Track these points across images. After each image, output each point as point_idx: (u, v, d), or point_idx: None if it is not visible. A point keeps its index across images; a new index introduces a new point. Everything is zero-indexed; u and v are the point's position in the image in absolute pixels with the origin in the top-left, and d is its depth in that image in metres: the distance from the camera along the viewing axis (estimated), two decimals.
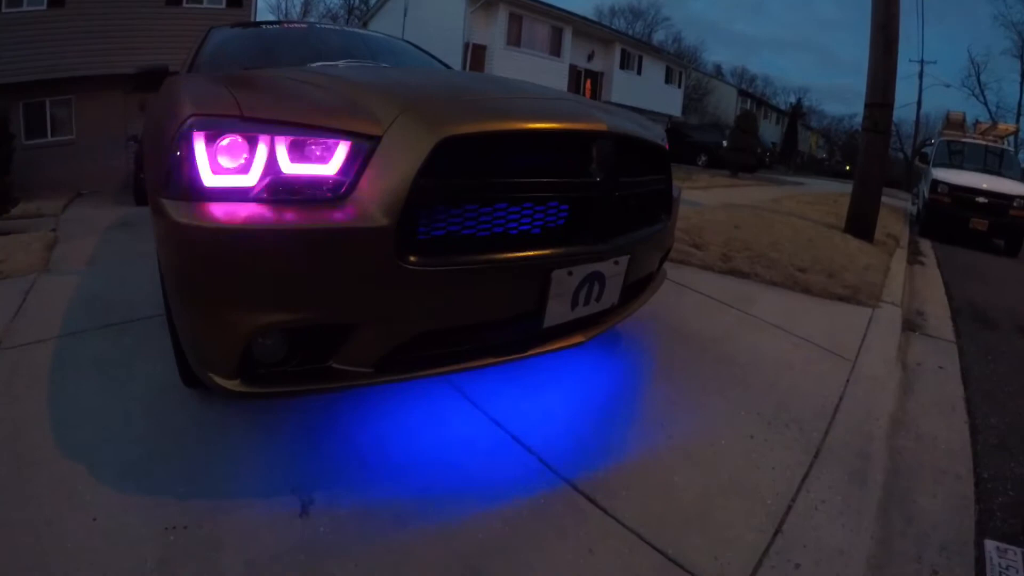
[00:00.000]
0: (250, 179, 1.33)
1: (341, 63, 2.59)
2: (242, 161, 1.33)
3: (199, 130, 1.32)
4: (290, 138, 1.34)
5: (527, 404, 2.21)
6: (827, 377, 2.67)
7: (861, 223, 6.00)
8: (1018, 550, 1.74)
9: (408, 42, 3.80)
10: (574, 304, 1.72)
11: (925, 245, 7.88)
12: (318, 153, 1.37)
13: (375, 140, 1.37)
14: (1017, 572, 1.67)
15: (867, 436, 2.22)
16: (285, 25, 3.41)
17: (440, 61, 3.60)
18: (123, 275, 3.42)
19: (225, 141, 1.32)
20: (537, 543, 1.55)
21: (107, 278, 3.39)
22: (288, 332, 1.40)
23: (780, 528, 1.69)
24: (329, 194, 1.36)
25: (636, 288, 2.15)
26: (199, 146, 1.31)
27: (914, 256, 6.57)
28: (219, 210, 1.29)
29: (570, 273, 1.64)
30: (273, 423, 1.94)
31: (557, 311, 1.69)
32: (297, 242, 1.29)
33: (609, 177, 1.69)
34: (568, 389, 2.36)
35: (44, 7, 11.93)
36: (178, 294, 1.44)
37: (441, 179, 1.39)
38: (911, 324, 3.81)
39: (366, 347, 1.44)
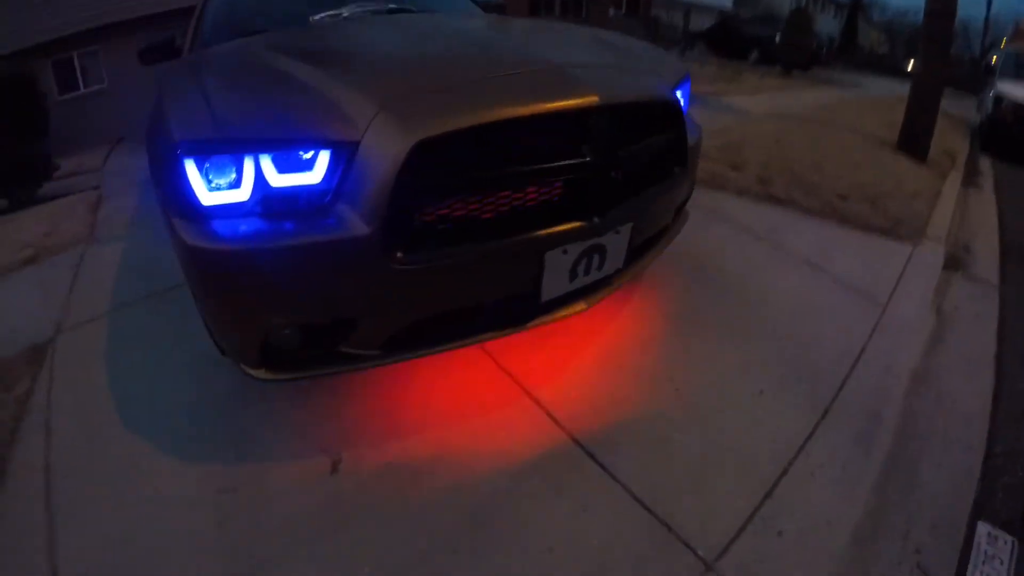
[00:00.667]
0: (242, 194, 1.38)
1: (345, 11, 2.50)
2: (232, 178, 1.37)
3: (188, 155, 1.34)
4: (273, 152, 1.36)
5: (542, 356, 2.23)
6: (853, 324, 2.57)
7: (914, 141, 5.54)
8: (1009, 539, 1.69)
9: None
10: (573, 277, 1.70)
11: (985, 164, 7.32)
12: (302, 163, 1.39)
13: (354, 144, 1.38)
14: (1002, 563, 1.63)
15: (883, 395, 2.16)
16: None
17: None
18: (160, 237, 3.43)
19: (213, 162, 1.35)
20: (538, 499, 1.64)
21: (146, 243, 3.54)
22: (299, 326, 1.49)
23: (771, 492, 1.71)
24: (317, 203, 1.40)
25: (646, 246, 2.08)
26: (191, 169, 1.35)
27: (970, 177, 6.12)
28: (219, 229, 1.36)
29: (565, 252, 1.61)
30: (305, 387, 2.06)
31: (555, 286, 1.67)
32: (291, 255, 1.35)
33: (604, 151, 1.59)
34: (583, 339, 2.35)
35: None
36: (198, 300, 1.57)
37: (421, 178, 1.37)
38: (955, 262, 3.59)
39: (370, 334, 1.54)
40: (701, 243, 3.16)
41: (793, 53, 12.79)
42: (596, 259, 1.72)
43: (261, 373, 1.54)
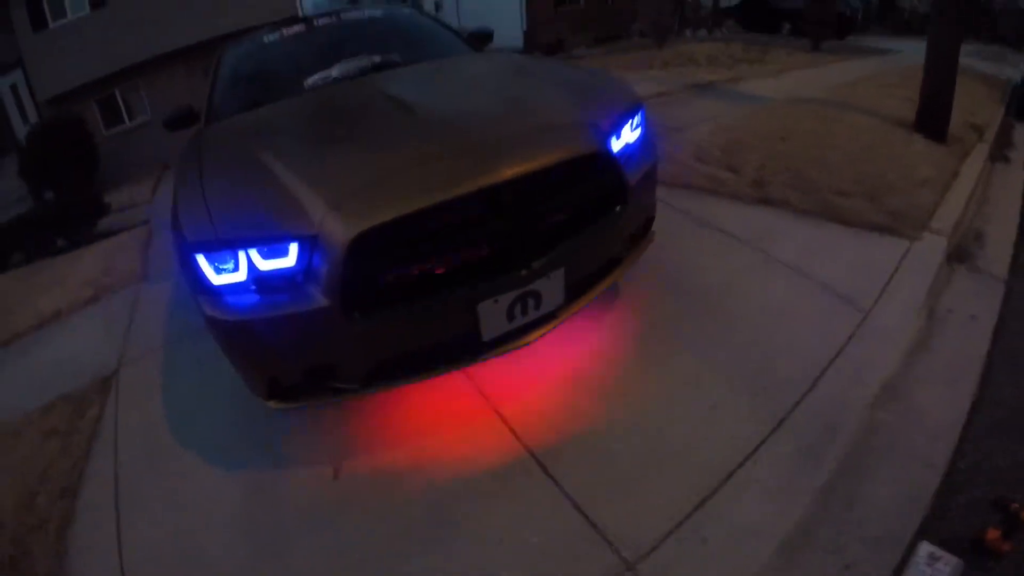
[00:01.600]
0: (240, 275, 1.82)
1: (335, 71, 2.93)
2: (231, 265, 1.81)
3: (197, 252, 1.81)
4: (256, 246, 1.80)
5: (512, 375, 2.51)
6: (829, 332, 2.60)
7: (932, 118, 5.25)
8: (952, 559, 1.71)
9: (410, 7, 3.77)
10: (511, 318, 1.96)
11: (1022, 133, 6.95)
12: (279, 251, 1.80)
13: (313, 237, 1.77)
14: None
15: (845, 407, 2.21)
16: (284, 32, 3.55)
17: (442, 23, 3.74)
18: None
19: (215, 255, 1.81)
20: (493, 500, 1.99)
21: None
22: (293, 369, 1.95)
23: (704, 502, 1.87)
24: (293, 281, 1.83)
25: (593, 278, 2.27)
26: (201, 261, 1.82)
27: (1000, 150, 5.84)
28: (227, 303, 1.85)
29: (496, 301, 1.89)
30: (313, 412, 2.55)
31: (494, 327, 1.95)
32: (276, 321, 1.81)
33: (521, 212, 1.87)
34: (551, 359, 2.57)
35: (87, 11, 12.98)
36: (219, 349, 2.06)
37: (365, 257, 1.75)
38: (961, 253, 3.50)
39: (349, 373, 1.97)
40: (683, 254, 3.24)
41: (819, 25, 12.30)
42: (531, 301, 1.99)
43: (272, 403, 2.01)
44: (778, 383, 2.31)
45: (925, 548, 1.76)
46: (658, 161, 2.54)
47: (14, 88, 14.99)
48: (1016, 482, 1.98)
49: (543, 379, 2.49)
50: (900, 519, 1.84)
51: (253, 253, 1.80)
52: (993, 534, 1.77)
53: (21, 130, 14.35)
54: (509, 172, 1.82)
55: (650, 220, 2.60)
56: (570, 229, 2.05)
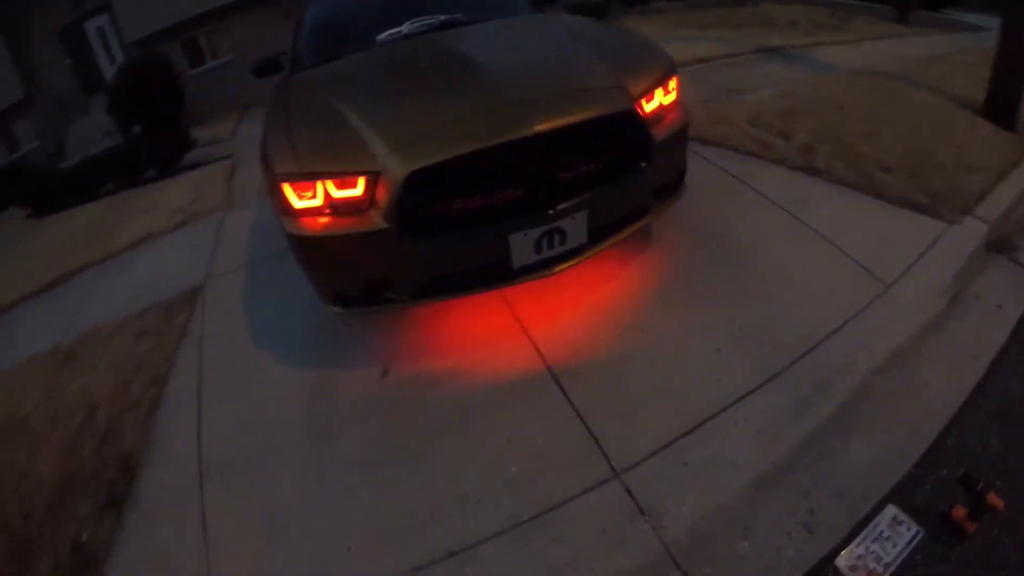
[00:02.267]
0: (318, 201, 2.24)
1: (404, 28, 3.27)
2: (310, 193, 2.23)
3: (282, 182, 2.24)
4: (333, 179, 2.20)
5: (545, 303, 2.85)
6: (845, 299, 2.67)
7: (1001, 104, 4.93)
8: (914, 526, 1.80)
9: None
10: (538, 250, 2.28)
11: None
12: (350, 184, 2.20)
13: (377, 173, 2.17)
14: (895, 546, 1.75)
15: (844, 369, 2.32)
16: None
17: None
18: None
19: (297, 185, 2.23)
20: (510, 407, 2.35)
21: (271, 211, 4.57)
22: (355, 281, 2.38)
23: (692, 431, 2.09)
24: (360, 208, 2.23)
25: (618, 224, 2.54)
26: (287, 189, 2.24)
27: None
28: (305, 223, 2.27)
29: (525, 234, 2.21)
30: (373, 321, 3.00)
31: (523, 256, 2.28)
32: (346, 240, 2.23)
33: (551, 161, 2.19)
34: (581, 292, 2.87)
35: None
36: (296, 263, 2.52)
37: (417, 191, 2.13)
38: (1004, 244, 3.41)
39: (401, 286, 2.38)
40: (718, 211, 3.33)
41: None
42: (557, 238, 2.29)
43: (337, 309, 2.46)
44: (785, 338, 2.44)
45: (891, 511, 1.86)
46: (689, 122, 2.74)
47: (101, 31, 15.77)
48: (997, 469, 2.02)
49: (572, 309, 2.78)
50: (873, 479, 1.96)
51: (328, 184, 2.20)
52: (960, 512, 1.83)
53: (107, 70, 15.21)
54: (541, 127, 2.13)
55: (680, 176, 2.82)
56: (596, 179, 2.34)
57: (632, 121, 2.39)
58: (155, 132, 8.35)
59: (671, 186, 2.77)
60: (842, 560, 1.74)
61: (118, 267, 4.67)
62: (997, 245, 3.44)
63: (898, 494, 1.92)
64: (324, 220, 2.26)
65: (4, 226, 8.22)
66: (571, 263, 2.39)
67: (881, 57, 7.51)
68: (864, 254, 3.01)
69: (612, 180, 2.39)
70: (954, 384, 2.37)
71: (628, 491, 1.95)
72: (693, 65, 7.02)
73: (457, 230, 2.22)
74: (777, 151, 4.01)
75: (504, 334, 2.73)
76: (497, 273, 2.36)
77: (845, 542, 1.79)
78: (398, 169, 2.11)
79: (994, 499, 1.81)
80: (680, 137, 2.70)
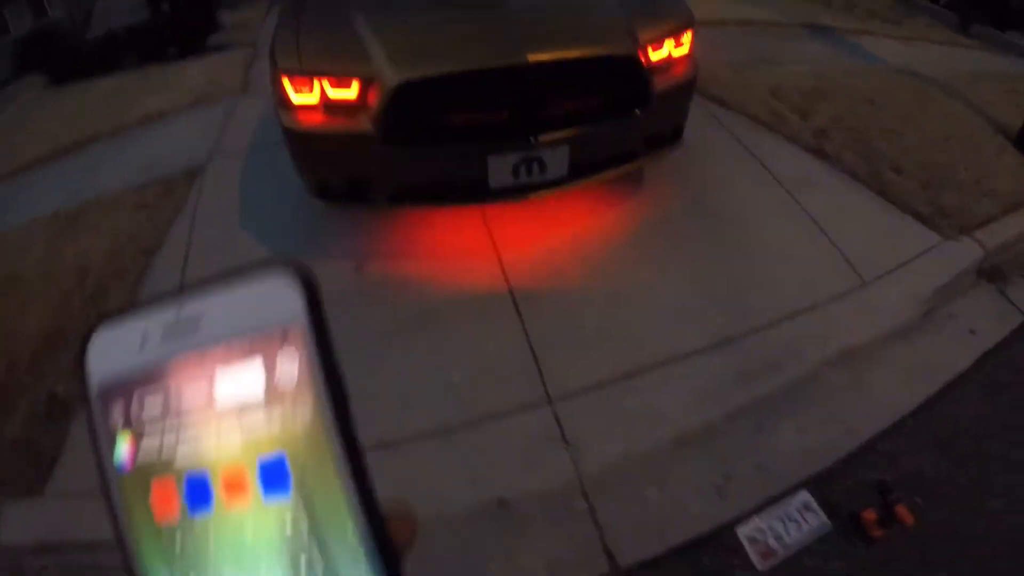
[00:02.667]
0: (314, 99, 2.29)
1: None
2: (308, 90, 2.27)
3: (283, 75, 2.30)
4: (330, 79, 2.25)
5: (521, 228, 2.85)
6: (818, 285, 2.62)
7: None
8: (822, 516, 1.79)
9: None
10: (516, 175, 2.30)
11: None
12: (345, 86, 2.25)
13: (372, 79, 2.23)
14: (799, 530, 1.75)
15: (797, 353, 2.27)
16: None
17: None
18: None
19: (297, 80, 2.28)
20: (468, 317, 2.42)
21: None
22: (340, 177, 2.47)
23: (632, 376, 2.12)
24: (353, 110, 2.28)
25: (601, 164, 2.56)
26: (286, 83, 2.30)
27: None
28: (299, 118, 2.33)
29: (505, 158, 2.23)
30: (356, 219, 3.04)
31: (500, 178, 2.30)
32: (335, 138, 2.33)
33: (540, 93, 2.21)
34: (559, 223, 2.86)
35: None
36: (289, 155, 2.55)
37: (406, 100, 2.20)
38: (996, 273, 3.32)
39: (381, 188, 2.47)
40: (717, 174, 3.21)
41: (974, 5, 10.99)
42: (536, 166, 2.30)
43: (321, 201, 2.59)
44: (748, 309, 2.40)
45: (804, 496, 1.85)
46: (697, 78, 2.72)
47: None
48: (922, 489, 1.99)
49: (546, 239, 2.80)
50: (796, 463, 1.96)
51: (325, 83, 2.27)
52: (870, 516, 1.82)
53: None
54: (536, 58, 2.18)
55: (677, 129, 2.80)
56: (586, 117, 2.37)
57: (632, 66, 2.39)
58: (183, 10, 8.16)
59: (665, 137, 2.75)
60: (744, 529, 1.75)
61: (128, 140, 4.69)
62: (988, 273, 3.35)
63: (816, 484, 1.91)
64: (317, 117, 2.34)
65: (23, 92, 8.01)
66: (547, 192, 2.44)
67: (928, 60, 7.17)
68: (850, 247, 2.92)
69: (601, 121, 2.42)
70: (903, 395, 2.33)
71: (557, 419, 2.00)
72: (734, 27, 6.67)
73: (439, 143, 2.33)
74: (791, 127, 3.84)
75: (477, 252, 2.77)
76: (474, 190, 2.45)
77: (751, 515, 1.76)
78: (391, 77, 2.19)
79: (904, 512, 1.80)
80: (684, 91, 2.71)
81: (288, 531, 0.26)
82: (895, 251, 3.01)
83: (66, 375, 2.35)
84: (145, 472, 0.27)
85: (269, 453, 0.26)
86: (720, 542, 1.75)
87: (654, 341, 2.24)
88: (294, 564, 0.26)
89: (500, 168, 2.32)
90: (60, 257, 3.14)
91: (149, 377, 0.28)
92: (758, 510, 1.80)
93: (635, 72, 2.40)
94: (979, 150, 4.61)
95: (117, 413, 0.28)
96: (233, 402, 0.27)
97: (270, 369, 0.27)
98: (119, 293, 2.75)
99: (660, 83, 2.48)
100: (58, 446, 2.17)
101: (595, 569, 1.74)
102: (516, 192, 2.43)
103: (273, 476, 0.26)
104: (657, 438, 1.89)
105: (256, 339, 0.28)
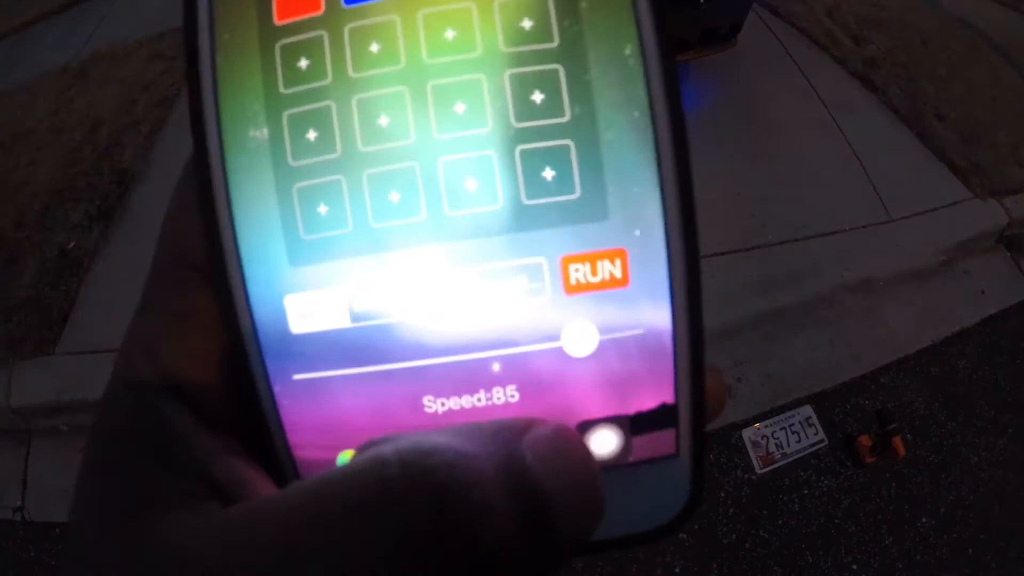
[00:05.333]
0: None
1: None
2: None
3: None
4: None
5: None
6: (846, 212, 2.50)
7: None
8: (822, 433, 1.80)
9: None
10: None
11: None
12: None
13: None
14: (799, 442, 1.76)
15: (818, 273, 2.19)
16: None
17: None
18: None
19: None
20: None
21: None
22: None
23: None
24: None
25: None
26: None
27: None
28: None
29: None
30: None
31: None
32: None
33: None
34: None
35: None
36: None
37: None
38: (1015, 243, 3.18)
39: None
40: (762, 84, 3.03)
41: None
42: None
43: None
44: (775, 221, 2.26)
45: (807, 411, 1.85)
46: None
47: None
48: (913, 426, 1.99)
49: None
50: (803, 378, 1.92)
51: None
52: (865, 441, 1.81)
53: None
54: None
55: (736, 27, 2.63)
56: None
57: None
58: None
59: (721, 34, 2.59)
60: (748, 432, 1.73)
61: None
62: (1007, 240, 3.26)
63: (819, 401, 1.89)
64: None
65: None
66: None
67: (992, 19, 6.83)
68: (883, 182, 2.78)
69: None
70: (910, 334, 2.30)
71: None
72: None
73: None
74: (843, 50, 3.60)
75: None
76: None
77: (756, 419, 1.72)
78: None
79: (899, 444, 1.79)
80: None
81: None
82: (925, 196, 2.88)
83: (78, 230, 2.27)
84: None
85: None
86: (725, 441, 1.73)
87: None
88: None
89: None
90: (70, 111, 2.98)
91: None
92: (762, 417, 1.76)
93: None
94: (1022, 118, 4.45)
95: None
96: None
97: None
98: (133, 146, 2.64)
99: None
100: (68, 304, 2.11)
101: None
102: None
103: None
104: None
105: None
